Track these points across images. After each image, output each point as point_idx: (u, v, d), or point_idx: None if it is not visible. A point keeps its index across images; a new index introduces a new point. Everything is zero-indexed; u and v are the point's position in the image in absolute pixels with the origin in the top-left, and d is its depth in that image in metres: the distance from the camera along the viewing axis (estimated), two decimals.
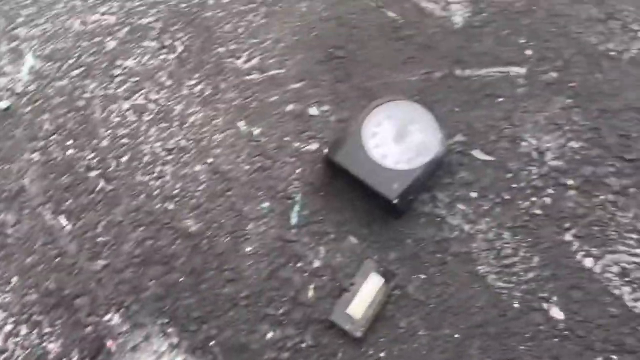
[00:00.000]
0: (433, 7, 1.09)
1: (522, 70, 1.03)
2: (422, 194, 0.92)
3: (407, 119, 0.91)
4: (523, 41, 1.05)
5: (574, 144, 0.96)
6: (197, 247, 0.90)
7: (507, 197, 0.93)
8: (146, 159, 0.96)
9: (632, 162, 0.94)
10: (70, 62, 1.04)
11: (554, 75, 1.02)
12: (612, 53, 1.04)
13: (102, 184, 0.94)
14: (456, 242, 0.89)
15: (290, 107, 1.01)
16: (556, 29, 1.06)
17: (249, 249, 0.90)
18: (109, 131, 0.98)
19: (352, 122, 0.92)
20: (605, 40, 1.05)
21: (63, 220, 0.92)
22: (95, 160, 0.96)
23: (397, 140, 0.89)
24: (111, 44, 1.06)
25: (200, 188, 0.94)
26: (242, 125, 0.99)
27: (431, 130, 0.90)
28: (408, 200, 0.88)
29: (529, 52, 1.04)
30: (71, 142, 0.97)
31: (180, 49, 1.06)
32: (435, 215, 0.91)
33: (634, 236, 0.89)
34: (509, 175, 0.94)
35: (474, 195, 0.93)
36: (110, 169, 0.95)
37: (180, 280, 0.88)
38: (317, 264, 0.89)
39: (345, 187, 0.93)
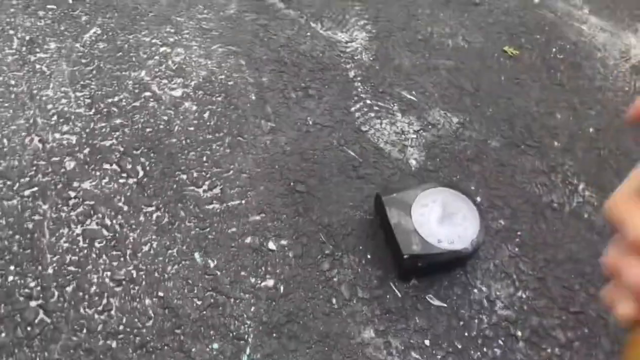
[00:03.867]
0: (390, 149, 1.15)
1: None
2: (431, 275, 0.99)
3: (454, 207, 0.98)
4: (473, 187, 1.12)
5: (522, 294, 0.99)
6: None
7: (459, 346, 0.93)
8: (92, 289, 0.92)
9: (575, 315, 0.98)
10: (23, 180, 1.01)
11: (503, 222, 1.08)
12: (555, 205, 1.12)
13: (41, 315, 0.89)
14: None
15: (248, 240, 1.00)
16: (503, 178, 1.14)
17: None
18: (56, 257, 0.94)
19: (409, 191, 0.99)
20: (547, 192, 1.13)
21: None
22: (37, 289, 0.91)
23: (438, 221, 0.96)
24: (70, 164, 1.04)
25: (147, 324, 0.90)
26: (197, 256, 0.98)
27: (470, 225, 0.96)
28: (415, 266, 0.94)
29: (478, 199, 1.10)
30: (13, 267, 0.92)
31: (140, 173, 1.05)
32: None
33: None
34: (461, 323, 0.95)
35: (427, 342, 0.93)
36: (53, 300, 0.90)
37: None
38: None
39: (300, 328, 0.91)
